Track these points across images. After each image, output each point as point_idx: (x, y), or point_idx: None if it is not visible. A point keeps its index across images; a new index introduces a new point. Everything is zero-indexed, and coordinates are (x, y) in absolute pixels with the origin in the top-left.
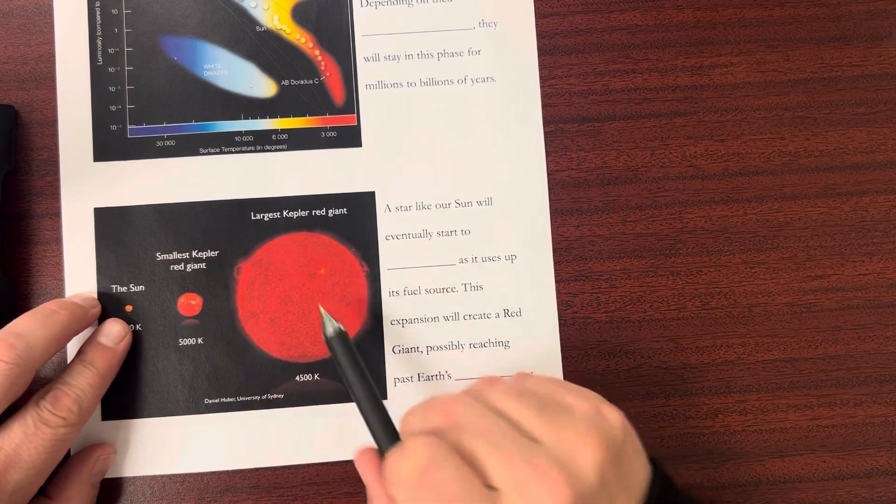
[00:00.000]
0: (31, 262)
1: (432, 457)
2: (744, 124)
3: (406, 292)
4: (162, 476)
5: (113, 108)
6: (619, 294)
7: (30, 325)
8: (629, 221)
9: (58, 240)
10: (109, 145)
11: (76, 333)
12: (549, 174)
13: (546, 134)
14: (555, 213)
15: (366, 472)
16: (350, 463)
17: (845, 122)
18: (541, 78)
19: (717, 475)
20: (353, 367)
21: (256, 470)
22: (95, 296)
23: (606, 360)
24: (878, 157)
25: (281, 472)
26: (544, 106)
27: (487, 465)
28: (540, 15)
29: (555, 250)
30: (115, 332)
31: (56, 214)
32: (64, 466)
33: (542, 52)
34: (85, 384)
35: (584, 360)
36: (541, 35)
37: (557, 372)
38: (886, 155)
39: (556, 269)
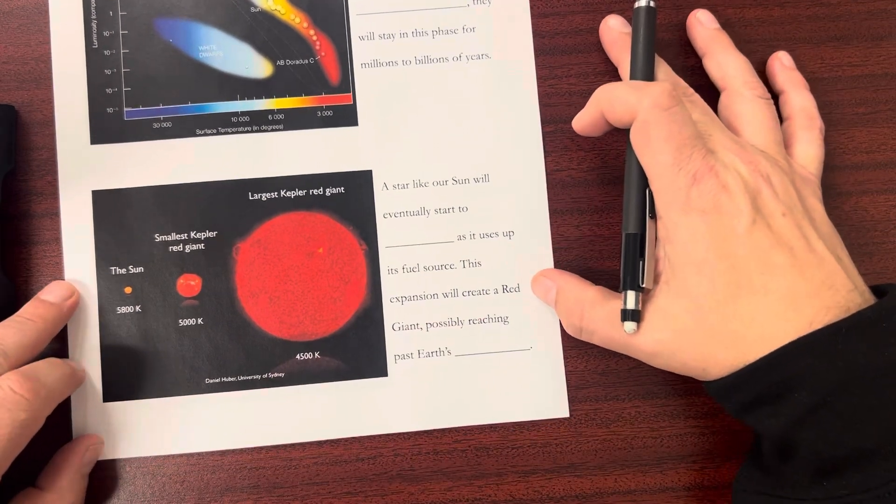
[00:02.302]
0: (31, 262)
1: (676, 96)
2: None
3: (405, 270)
4: (162, 475)
5: (109, 90)
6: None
7: (5, 334)
8: None
9: (57, 240)
10: (106, 128)
11: (54, 334)
12: (548, 174)
13: (546, 134)
14: (555, 213)
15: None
16: (350, 463)
17: (845, 122)
18: (540, 78)
19: (717, 475)
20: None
21: (257, 470)
22: (73, 285)
23: (606, 360)
24: (878, 157)
25: (281, 472)
26: (544, 106)
27: (707, 134)
28: (539, 15)
29: (555, 250)
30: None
31: (55, 214)
32: (55, 458)
33: (542, 52)
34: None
35: (585, 360)
36: (540, 35)
37: (557, 345)
38: (886, 155)
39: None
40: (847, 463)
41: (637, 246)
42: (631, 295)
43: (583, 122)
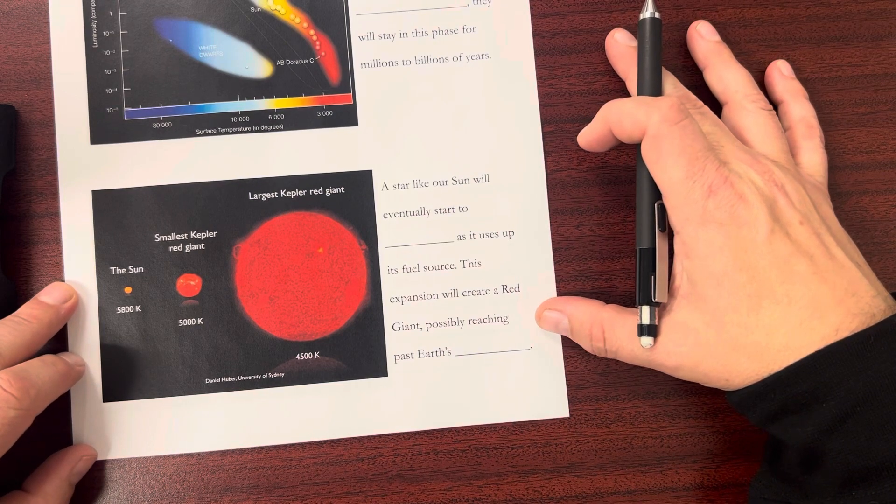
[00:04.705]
0: (31, 262)
1: (685, 109)
2: None
3: (405, 270)
4: (162, 475)
5: (109, 90)
6: (619, 294)
7: (1, 333)
8: (629, 221)
9: (57, 240)
10: (106, 128)
11: (50, 335)
12: (548, 174)
13: (546, 134)
14: (555, 212)
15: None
16: (350, 463)
17: (845, 122)
18: (540, 78)
19: (717, 475)
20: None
21: (257, 470)
22: (72, 287)
23: (607, 360)
24: (878, 157)
25: (281, 472)
26: (544, 106)
27: (719, 145)
28: (539, 15)
29: (555, 250)
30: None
31: (55, 214)
32: (45, 463)
33: (542, 52)
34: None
35: (585, 360)
36: (540, 35)
37: (557, 345)
38: (886, 155)
39: (556, 269)
40: (876, 472)
41: (651, 260)
42: (646, 310)
43: (589, 138)
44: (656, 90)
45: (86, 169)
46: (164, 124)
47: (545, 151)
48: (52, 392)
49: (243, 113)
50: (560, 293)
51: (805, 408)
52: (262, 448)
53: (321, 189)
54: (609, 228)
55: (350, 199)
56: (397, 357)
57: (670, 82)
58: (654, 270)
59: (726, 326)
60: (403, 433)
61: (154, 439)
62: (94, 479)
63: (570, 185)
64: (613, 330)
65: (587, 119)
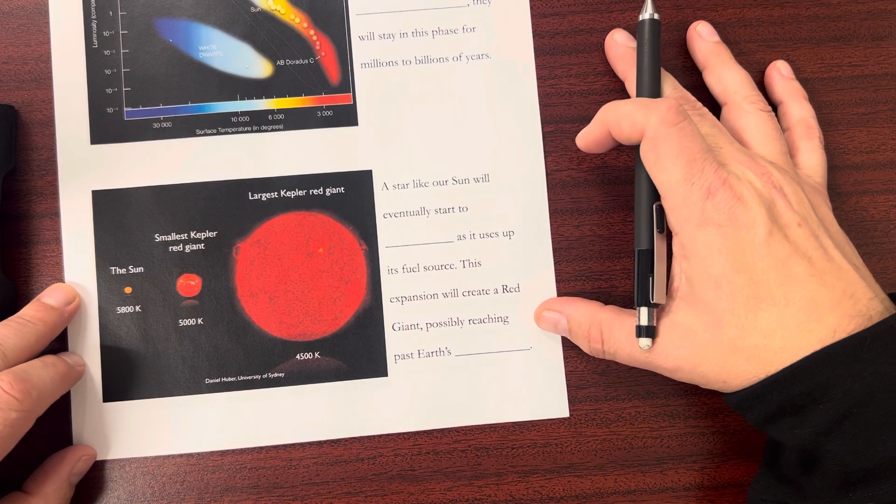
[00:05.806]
0: (31, 262)
1: (683, 111)
2: None
3: (405, 270)
4: (162, 475)
5: (109, 90)
6: (618, 294)
7: (6, 334)
8: (629, 221)
9: (58, 240)
10: (106, 128)
11: (52, 337)
12: (548, 174)
13: (546, 134)
14: (555, 213)
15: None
16: (350, 463)
17: (845, 122)
18: (540, 78)
19: (717, 475)
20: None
21: (257, 470)
22: (74, 289)
23: (606, 361)
24: (878, 157)
25: (281, 472)
26: (544, 106)
27: (717, 147)
28: (539, 15)
29: (555, 250)
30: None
31: (55, 214)
32: (45, 464)
33: (542, 52)
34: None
35: (585, 360)
36: (540, 35)
37: (557, 345)
38: (886, 155)
39: (556, 269)
40: (874, 473)
41: (649, 262)
42: (644, 311)
43: (587, 139)
44: (655, 91)
45: (86, 169)
46: (164, 124)
47: (545, 151)
48: (53, 393)
49: (243, 113)
50: (560, 293)
51: (802, 409)
52: (262, 448)
53: (321, 189)
54: (609, 228)
55: (350, 199)
56: (397, 357)
57: (669, 83)
58: (652, 272)
59: (724, 328)
60: (403, 433)
61: (154, 439)
62: (94, 479)
63: (570, 185)
64: (612, 331)
65: (587, 119)
